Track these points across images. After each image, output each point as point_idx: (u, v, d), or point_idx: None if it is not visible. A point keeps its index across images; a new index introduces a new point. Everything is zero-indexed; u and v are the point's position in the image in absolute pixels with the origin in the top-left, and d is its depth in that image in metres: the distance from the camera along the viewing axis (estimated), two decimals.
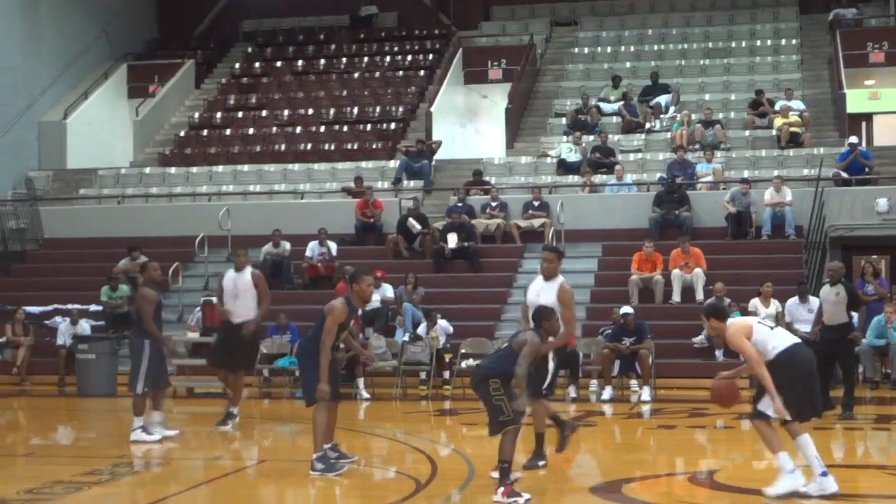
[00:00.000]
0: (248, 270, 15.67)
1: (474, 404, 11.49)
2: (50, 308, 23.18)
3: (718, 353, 20.25)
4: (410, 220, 24.27)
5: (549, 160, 27.50)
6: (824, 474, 9.97)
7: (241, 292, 15.53)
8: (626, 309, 19.59)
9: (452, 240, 23.51)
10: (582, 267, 23.27)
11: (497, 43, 33.24)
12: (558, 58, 33.08)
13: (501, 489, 9.92)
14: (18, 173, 29.46)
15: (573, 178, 26.39)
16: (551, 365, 11.38)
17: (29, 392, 21.36)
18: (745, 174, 25.12)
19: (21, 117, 29.95)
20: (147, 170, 29.65)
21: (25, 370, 21.92)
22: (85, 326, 22.27)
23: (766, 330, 10.27)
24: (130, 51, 34.96)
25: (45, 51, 31.18)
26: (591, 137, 27.57)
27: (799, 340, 10.41)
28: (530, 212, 24.64)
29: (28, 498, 10.69)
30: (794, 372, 10.03)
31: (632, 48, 32.72)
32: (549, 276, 11.75)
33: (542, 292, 11.54)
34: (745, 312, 19.24)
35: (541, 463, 11.53)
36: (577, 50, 33.20)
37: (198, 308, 21.73)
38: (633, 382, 19.30)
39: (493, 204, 24.98)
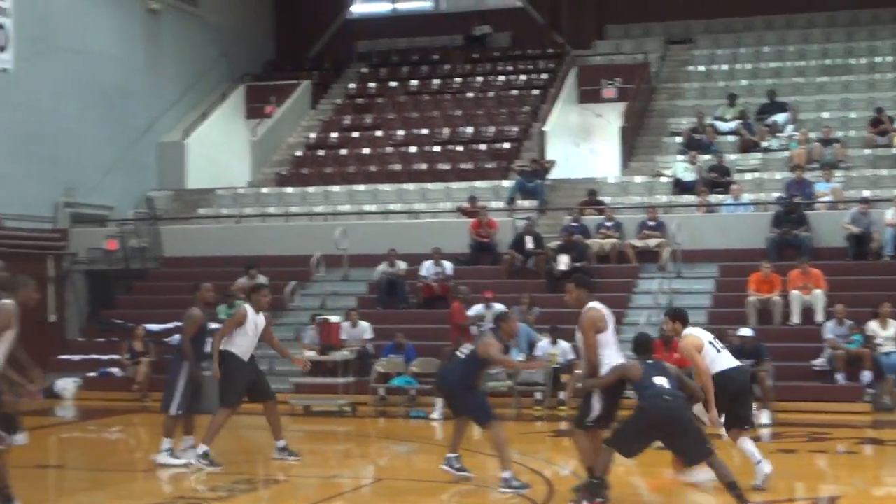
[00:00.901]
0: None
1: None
2: (170, 325, 23.55)
3: (839, 377, 19.87)
4: (525, 237, 24.26)
5: (664, 179, 27.28)
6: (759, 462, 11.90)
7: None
8: (746, 331, 19.31)
9: (563, 261, 23.38)
10: (698, 287, 23.04)
11: (611, 61, 33.09)
12: (673, 76, 32.85)
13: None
14: (140, 193, 30.03)
15: (689, 198, 26.14)
16: (595, 399, 11.07)
17: (149, 408, 21.70)
18: (866, 193, 24.67)
19: (142, 138, 30.53)
20: (264, 190, 30.03)
21: (146, 387, 22.29)
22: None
23: (713, 352, 11.81)
24: (248, 72, 35.48)
25: (166, 73, 31.76)
26: (707, 156, 27.30)
27: (738, 364, 12.19)
28: (645, 232, 24.46)
29: None
30: (726, 392, 11.60)
31: (748, 66, 32.35)
32: (575, 306, 11.34)
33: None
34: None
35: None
36: (692, 68, 32.93)
37: (312, 326, 21.92)
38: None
39: (608, 224, 24.84)
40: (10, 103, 25.75)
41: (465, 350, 12.58)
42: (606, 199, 26.43)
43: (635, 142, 29.97)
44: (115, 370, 23.36)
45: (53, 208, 27.22)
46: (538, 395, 20.11)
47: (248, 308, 14.01)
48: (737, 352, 18.89)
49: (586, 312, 11.02)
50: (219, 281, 24.47)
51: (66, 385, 23.05)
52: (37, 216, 26.46)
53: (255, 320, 13.99)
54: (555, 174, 28.23)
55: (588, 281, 12.01)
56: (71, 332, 26.60)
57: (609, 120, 31.01)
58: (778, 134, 28.34)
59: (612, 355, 10.98)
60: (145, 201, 29.64)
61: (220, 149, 32.33)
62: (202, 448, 13.76)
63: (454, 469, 12.44)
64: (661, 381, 10.64)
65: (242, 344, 13.90)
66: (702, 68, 32.76)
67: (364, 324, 21.87)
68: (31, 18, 26.18)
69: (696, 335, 11.89)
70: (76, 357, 24.15)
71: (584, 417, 11.12)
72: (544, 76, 33.76)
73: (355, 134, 32.34)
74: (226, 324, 14.14)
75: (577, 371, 11.73)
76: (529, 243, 24.23)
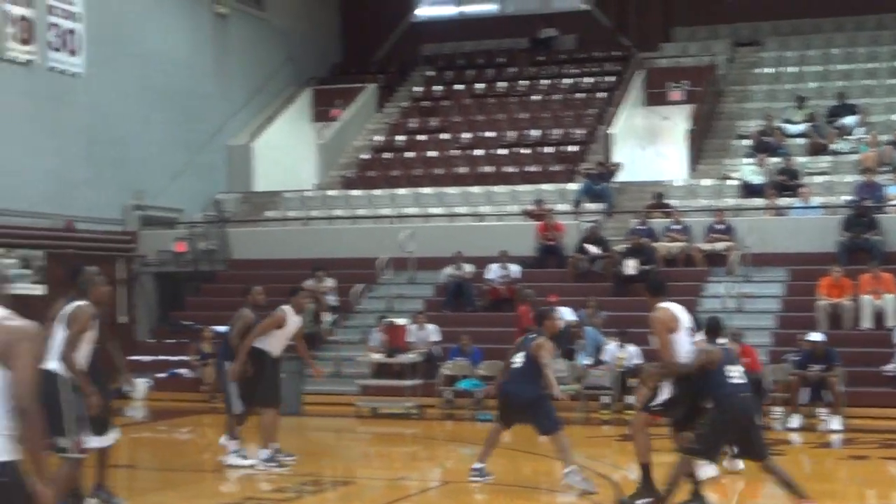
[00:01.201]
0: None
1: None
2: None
3: None
4: (585, 245, 24.19)
5: (732, 183, 27.09)
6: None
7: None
8: (817, 335, 19.13)
9: (631, 266, 23.28)
10: (767, 292, 22.84)
11: (678, 64, 32.91)
12: (741, 78, 32.60)
13: None
14: (208, 196, 30.28)
15: (757, 201, 25.92)
16: (667, 385, 10.93)
17: (218, 409, 21.82)
18: None
19: (210, 141, 30.80)
20: (331, 192, 30.17)
21: (215, 388, 22.41)
22: None
23: (686, 340, 10.69)
24: (315, 75, 35.66)
25: (233, 76, 32.01)
26: (776, 159, 27.06)
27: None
28: (713, 235, 24.29)
29: None
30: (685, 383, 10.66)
31: (817, 68, 32.02)
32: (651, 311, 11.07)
33: None
34: None
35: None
36: (760, 70, 32.66)
37: (378, 329, 21.99)
38: (821, 411, 18.82)
39: (676, 227, 24.70)
40: (82, 107, 26.07)
41: (518, 359, 12.51)
42: (674, 203, 26.28)
43: (702, 145, 29.77)
44: (184, 371, 23.59)
45: (123, 211, 27.51)
46: (605, 399, 20.03)
47: (288, 310, 14.14)
48: (807, 357, 18.84)
49: (654, 313, 10.83)
50: (286, 283, 24.67)
51: (137, 385, 23.26)
52: (107, 219, 26.77)
53: (294, 322, 14.19)
54: (621, 177, 28.12)
55: (652, 285, 11.48)
56: (141, 334, 26.89)
57: (676, 123, 30.84)
58: (847, 136, 28.02)
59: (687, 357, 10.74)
60: (214, 204, 29.87)
61: (287, 152, 32.54)
62: (273, 449, 13.86)
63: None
64: (733, 370, 10.54)
65: (276, 345, 14.11)
66: (770, 70, 32.48)
67: (430, 326, 21.91)
68: (102, 23, 26.51)
69: (674, 312, 10.83)
70: (146, 358, 24.40)
71: (650, 400, 10.95)
72: (610, 79, 33.64)
73: (421, 137, 32.41)
74: (264, 324, 14.16)
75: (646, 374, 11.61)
76: (595, 246, 24.16)
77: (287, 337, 14.26)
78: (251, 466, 14.01)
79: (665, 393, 10.76)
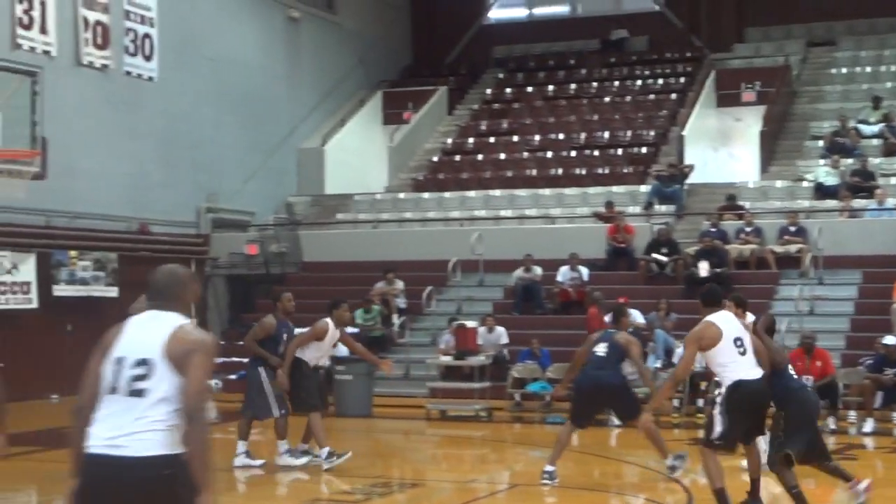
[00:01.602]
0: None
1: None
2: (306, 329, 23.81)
3: None
4: (654, 254, 24.03)
5: (805, 184, 26.80)
6: None
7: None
8: (892, 339, 18.86)
9: (704, 268, 23.11)
10: (841, 294, 22.57)
11: (751, 65, 32.62)
12: (815, 79, 32.24)
13: None
14: (279, 199, 30.49)
15: (831, 203, 25.62)
16: (717, 413, 10.52)
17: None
18: None
19: (282, 145, 31.01)
20: (401, 195, 30.26)
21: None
22: (342, 348, 22.79)
23: (733, 353, 10.31)
24: (385, 78, 35.79)
25: (305, 80, 32.20)
26: (850, 160, 26.73)
27: (756, 377, 10.34)
28: (786, 237, 24.04)
29: None
30: (735, 403, 10.25)
31: (893, 68, 31.57)
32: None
33: None
34: None
35: None
36: (834, 70, 32.29)
37: (448, 331, 22.00)
38: None
39: (748, 229, 24.48)
40: (156, 111, 26.38)
41: (601, 349, 12.71)
42: (746, 204, 26.05)
43: (775, 146, 29.48)
44: None
45: (196, 213, 27.79)
46: (675, 403, 19.89)
47: (330, 323, 14.34)
48: (881, 360, 18.58)
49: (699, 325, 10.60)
50: (356, 286, 24.86)
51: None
52: (180, 221, 27.08)
53: (334, 335, 14.40)
54: (693, 179, 27.90)
55: (704, 296, 10.94)
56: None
57: (748, 124, 30.57)
58: None
59: (737, 370, 10.33)
60: (285, 207, 30.07)
61: (358, 155, 32.68)
62: (326, 450, 13.98)
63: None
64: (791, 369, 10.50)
65: (314, 355, 14.38)
66: (844, 70, 32.10)
67: (500, 329, 21.90)
68: (175, 28, 26.81)
69: (718, 326, 10.44)
70: (216, 360, 24.56)
71: (709, 434, 10.60)
72: (682, 80, 33.44)
73: (491, 139, 32.41)
74: (304, 335, 14.42)
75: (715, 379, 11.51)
76: (665, 249, 24.03)
77: (326, 349, 14.59)
78: (303, 466, 14.24)
79: (719, 425, 10.37)
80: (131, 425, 5.32)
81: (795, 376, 10.70)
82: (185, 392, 5.38)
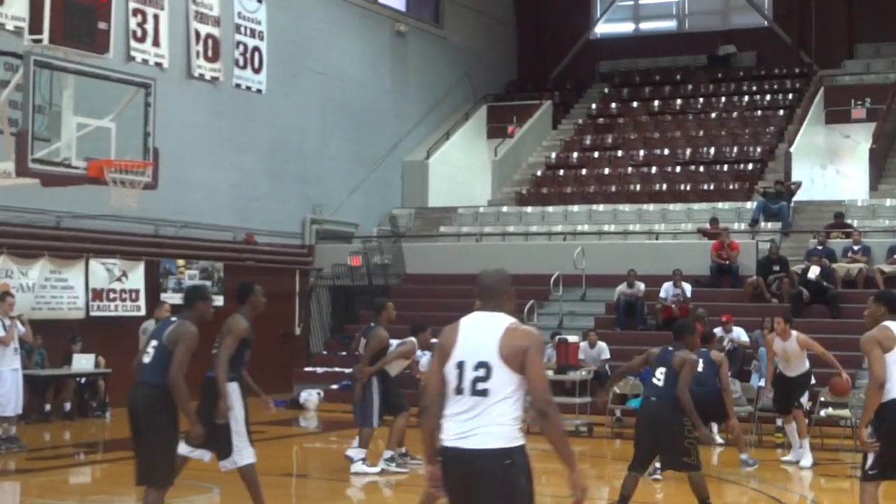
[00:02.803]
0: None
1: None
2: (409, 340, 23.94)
3: None
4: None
5: None
6: None
7: None
8: None
9: (815, 272, 22.85)
10: None
11: (861, 81, 32.16)
12: None
13: None
14: (383, 211, 30.72)
15: None
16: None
17: (387, 422, 22.11)
18: None
19: (386, 158, 31.24)
20: (504, 209, 30.30)
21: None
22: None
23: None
24: (490, 92, 35.89)
25: (410, 93, 32.43)
26: None
27: None
28: (895, 257, 23.64)
29: None
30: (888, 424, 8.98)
31: None
32: (869, 324, 9.55)
33: None
34: None
35: None
36: None
37: (550, 345, 21.95)
38: None
39: (856, 248, 24.11)
40: (264, 123, 26.75)
41: (660, 374, 11.36)
42: (854, 223, 25.67)
43: (885, 164, 29.04)
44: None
45: (301, 225, 28.11)
46: (779, 423, 19.60)
47: (416, 343, 15.55)
48: None
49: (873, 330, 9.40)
50: (458, 298, 24.90)
51: (310, 396, 23.73)
52: (285, 232, 27.42)
53: (415, 355, 16.02)
54: (799, 196, 27.57)
55: (889, 298, 9.72)
56: (315, 345, 27.41)
57: (857, 141, 30.13)
58: None
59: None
60: (389, 219, 30.28)
61: (462, 168, 32.80)
62: (388, 453, 14.64)
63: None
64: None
65: (395, 369, 15.26)
66: None
67: (602, 344, 21.83)
68: (284, 42, 27.18)
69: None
70: (319, 369, 24.85)
71: (864, 465, 9.38)
72: (790, 96, 33.08)
73: (596, 154, 32.34)
74: (395, 352, 15.05)
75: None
76: (777, 267, 23.78)
77: (404, 365, 15.64)
78: (378, 474, 14.57)
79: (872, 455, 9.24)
80: (476, 421, 6.14)
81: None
82: (531, 390, 6.16)
